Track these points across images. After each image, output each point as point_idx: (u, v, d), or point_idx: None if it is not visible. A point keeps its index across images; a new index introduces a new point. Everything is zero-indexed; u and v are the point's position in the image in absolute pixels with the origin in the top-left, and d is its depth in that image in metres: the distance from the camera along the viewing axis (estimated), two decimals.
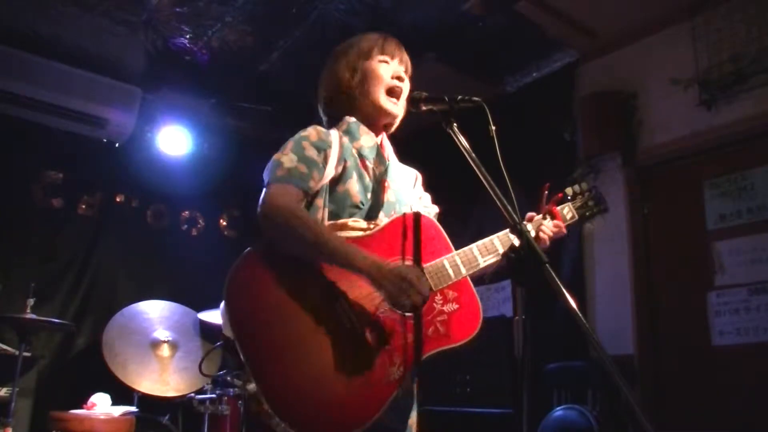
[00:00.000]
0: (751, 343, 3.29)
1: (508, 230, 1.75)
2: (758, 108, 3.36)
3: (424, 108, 1.70)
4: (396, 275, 1.53)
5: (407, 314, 1.60)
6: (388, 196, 1.79)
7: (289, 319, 1.53)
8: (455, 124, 1.61)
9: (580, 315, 1.34)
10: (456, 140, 1.58)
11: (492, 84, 4.49)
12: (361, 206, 1.74)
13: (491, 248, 1.74)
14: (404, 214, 1.71)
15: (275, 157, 1.71)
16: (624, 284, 3.78)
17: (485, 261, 1.73)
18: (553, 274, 1.37)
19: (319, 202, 1.72)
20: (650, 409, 3.55)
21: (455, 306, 1.65)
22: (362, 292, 1.58)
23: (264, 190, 1.65)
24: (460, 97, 1.62)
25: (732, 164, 3.52)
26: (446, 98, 1.63)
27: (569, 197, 1.95)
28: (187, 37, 4.11)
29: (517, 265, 1.42)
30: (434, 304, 1.64)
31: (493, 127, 1.51)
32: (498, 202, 1.47)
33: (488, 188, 1.48)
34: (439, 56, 4.15)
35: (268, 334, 1.52)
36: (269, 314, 1.53)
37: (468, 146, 1.56)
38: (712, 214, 3.57)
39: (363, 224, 1.71)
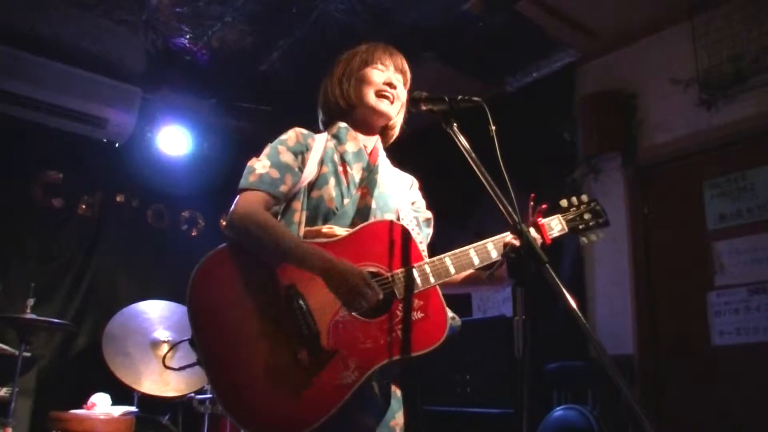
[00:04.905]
0: (751, 343, 3.29)
1: (490, 240, 1.72)
2: (758, 108, 3.37)
3: (423, 108, 1.70)
4: (346, 272, 1.53)
5: (368, 319, 1.58)
6: (369, 202, 1.77)
7: (246, 317, 1.55)
8: (455, 124, 1.61)
9: (580, 315, 1.34)
10: (456, 140, 1.58)
11: (492, 84, 4.49)
12: (336, 212, 1.73)
13: (465, 260, 1.70)
14: (376, 221, 1.69)
15: (249, 162, 1.72)
16: (624, 284, 3.78)
17: (456, 273, 1.68)
18: (553, 274, 1.37)
19: (297, 205, 1.73)
20: (650, 409, 3.55)
21: (420, 315, 1.62)
22: (324, 295, 1.58)
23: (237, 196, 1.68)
24: (460, 97, 1.62)
25: (732, 164, 3.52)
26: (446, 98, 1.62)
27: (562, 208, 1.89)
28: (187, 37, 4.10)
29: (516, 265, 1.41)
30: (397, 312, 1.61)
31: (493, 127, 1.51)
32: (498, 202, 1.46)
33: (488, 188, 1.48)
34: (439, 56, 4.15)
35: (224, 330, 1.54)
36: (228, 311, 1.55)
37: (468, 146, 1.56)
38: (712, 214, 3.57)
39: (339, 230, 1.70)
